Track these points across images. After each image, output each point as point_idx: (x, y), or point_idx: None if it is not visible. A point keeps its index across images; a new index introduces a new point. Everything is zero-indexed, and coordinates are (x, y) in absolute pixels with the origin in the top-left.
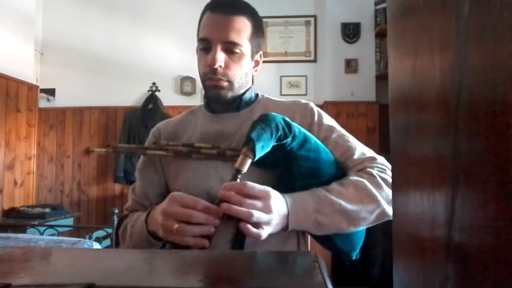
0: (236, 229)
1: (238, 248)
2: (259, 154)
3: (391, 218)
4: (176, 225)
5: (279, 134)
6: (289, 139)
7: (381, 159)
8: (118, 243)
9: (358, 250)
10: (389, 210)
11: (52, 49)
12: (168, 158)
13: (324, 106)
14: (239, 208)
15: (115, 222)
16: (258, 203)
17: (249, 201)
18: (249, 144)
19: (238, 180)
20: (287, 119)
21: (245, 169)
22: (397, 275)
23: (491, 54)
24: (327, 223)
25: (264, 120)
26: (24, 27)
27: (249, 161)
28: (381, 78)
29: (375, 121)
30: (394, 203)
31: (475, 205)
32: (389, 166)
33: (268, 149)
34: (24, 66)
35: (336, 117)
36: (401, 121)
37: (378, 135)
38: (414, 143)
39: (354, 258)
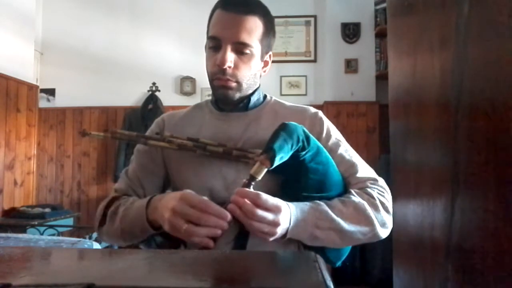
0: (238, 230)
1: (240, 249)
2: (276, 164)
3: (382, 239)
4: (185, 226)
5: (298, 146)
6: (305, 151)
7: (381, 182)
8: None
9: (343, 259)
10: (381, 232)
11: (52, 49)
12: (170, 151)
13: (324, 106)
14: (247, 219)
15: None
16: (269, 216)
17: (260, 212)
18: (269, 153)
19: (251, 187)
20: (306, 130)
21: (260, 177)
22: (397, 275)
23: (491, 53)
24: (322, 238)
25: (287, 131)
26: (24, 27)
27: (265, 170)
28: (381, 78)
29: (375, 121)
30: (394, 205)
31: (474, 206)
32: (388, 190)
33: (284, 160)
34: (24, 66)
35: (336, 117)
36: (401, 122)
37: (378, 135)
38: (414, 145)
39: (336, 266)
